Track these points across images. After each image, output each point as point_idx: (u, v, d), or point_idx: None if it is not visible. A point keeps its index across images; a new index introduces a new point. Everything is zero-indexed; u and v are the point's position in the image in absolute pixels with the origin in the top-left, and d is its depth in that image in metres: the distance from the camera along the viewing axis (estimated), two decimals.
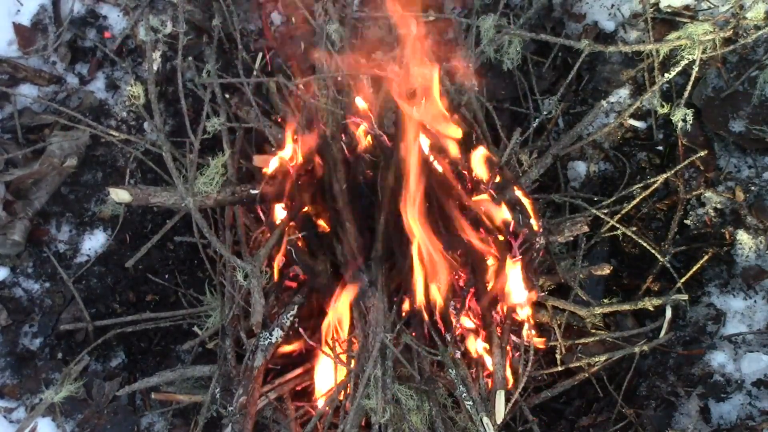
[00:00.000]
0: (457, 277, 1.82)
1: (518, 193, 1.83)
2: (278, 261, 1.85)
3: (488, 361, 1.76)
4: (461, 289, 1.80)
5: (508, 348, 1.80)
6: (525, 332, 1.81)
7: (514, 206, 1.83)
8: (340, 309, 1.79)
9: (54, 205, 2.24)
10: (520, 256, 1.80)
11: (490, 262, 1.82)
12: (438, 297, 1.75)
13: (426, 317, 1.75)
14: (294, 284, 1.93)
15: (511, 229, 1.80)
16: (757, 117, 2.13)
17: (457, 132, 1.81)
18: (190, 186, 1.65)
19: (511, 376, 1.81)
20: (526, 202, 1.81)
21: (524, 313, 1.83)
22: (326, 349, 1.79)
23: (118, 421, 2.02)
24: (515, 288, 1.79)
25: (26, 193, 2.20)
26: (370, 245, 1.81)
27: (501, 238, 1.83)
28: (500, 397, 1.62)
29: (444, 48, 2.25)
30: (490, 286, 1.81)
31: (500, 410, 1.61)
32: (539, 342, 1.89)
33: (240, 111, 2.19)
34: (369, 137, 1.87)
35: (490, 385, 1.72)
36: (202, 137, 1.68)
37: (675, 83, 2.22)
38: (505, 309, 1.82)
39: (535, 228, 1.80)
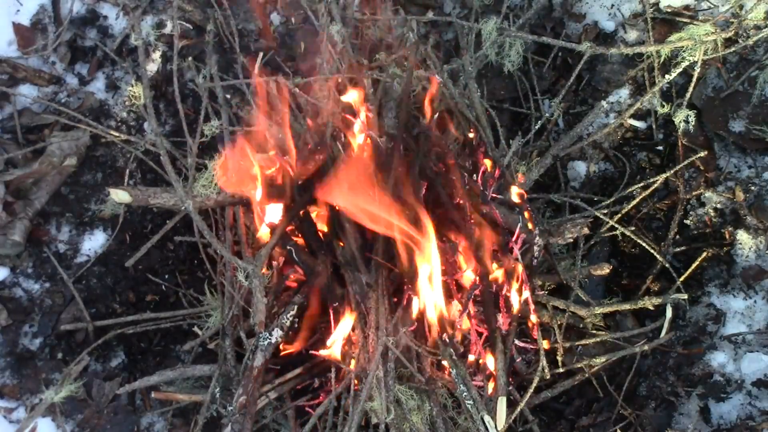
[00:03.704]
0: (459, 279, 1.82)
1: (516, 197, 1.83)
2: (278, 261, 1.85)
3: (490, 364, 1.76)
4: (464, 291, 1.80)
5: (512, 352, 1.80)
6: (538, 338, 1.80)
7: (514, 209, 1.83)
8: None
9: (54, 205, 2.23)
10: (520, 258, 1.80)
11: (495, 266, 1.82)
12: (439, 298, 1.75)
13: (427, 319, 1.75)
14: (294, 284, 1.93)
15: (515, 233, 1.80)
16: (757, 117, 2.13)
17: None
18: (190, 188, 1.64)
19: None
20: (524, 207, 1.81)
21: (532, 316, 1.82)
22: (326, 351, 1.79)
23: (118, 421, 2.02)
24: (517, 290, 1.79)
25: (26, 193, 2.20)
26: (370, 245, 1.81)
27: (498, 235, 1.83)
28: (502, 403, 1.62)
29: None
30: (493, 289, 1.81)
31: (502, 416, 1.61)
32: (544, 344, 1.89)
33: (241, 111, 2.19)
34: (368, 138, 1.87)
35: (491, 390, 1.72)
36: (201, 139, 1.67)
37: (675, 83, 2.22)
38: (509, 311, 1.82)
39: (531, 230, 1.80)
